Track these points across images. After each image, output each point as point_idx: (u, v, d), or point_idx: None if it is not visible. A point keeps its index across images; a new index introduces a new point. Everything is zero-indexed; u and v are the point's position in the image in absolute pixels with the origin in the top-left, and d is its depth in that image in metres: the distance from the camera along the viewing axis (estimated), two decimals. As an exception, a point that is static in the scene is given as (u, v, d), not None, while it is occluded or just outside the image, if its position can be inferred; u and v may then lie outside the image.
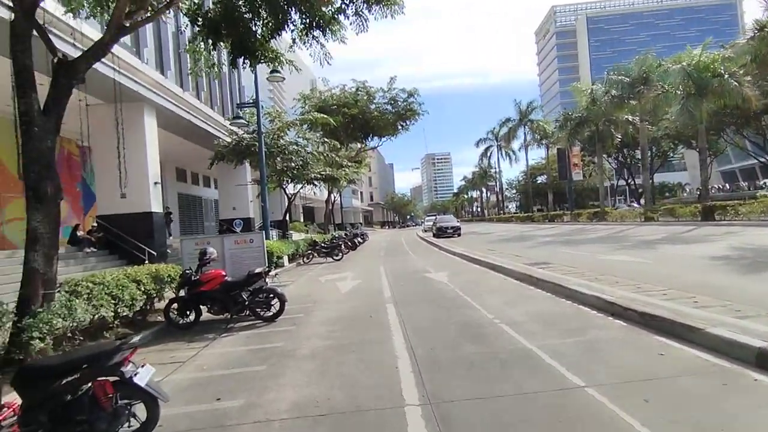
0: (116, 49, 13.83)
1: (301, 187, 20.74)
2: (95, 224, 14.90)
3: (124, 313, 6.10)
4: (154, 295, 7.12)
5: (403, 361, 4.46)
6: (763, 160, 33.03)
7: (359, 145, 33.75)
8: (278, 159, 18.61)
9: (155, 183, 15.19)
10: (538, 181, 64.55)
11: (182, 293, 7.02)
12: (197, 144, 20.92)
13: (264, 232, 17.10)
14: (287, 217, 32.83)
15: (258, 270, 7.08)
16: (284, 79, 16.45)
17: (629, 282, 7.19)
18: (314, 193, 20.42)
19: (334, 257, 18.48)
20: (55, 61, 5.64)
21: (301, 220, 50.53)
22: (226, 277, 7.01)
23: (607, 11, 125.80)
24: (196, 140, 20.62)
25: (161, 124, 17.08)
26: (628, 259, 10.76)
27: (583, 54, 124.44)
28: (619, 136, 31.84)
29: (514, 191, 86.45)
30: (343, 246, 19.56)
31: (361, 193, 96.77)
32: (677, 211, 23.12)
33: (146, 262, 13.83)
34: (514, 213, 74.29)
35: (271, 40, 8.45)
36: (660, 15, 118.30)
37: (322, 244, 19.11)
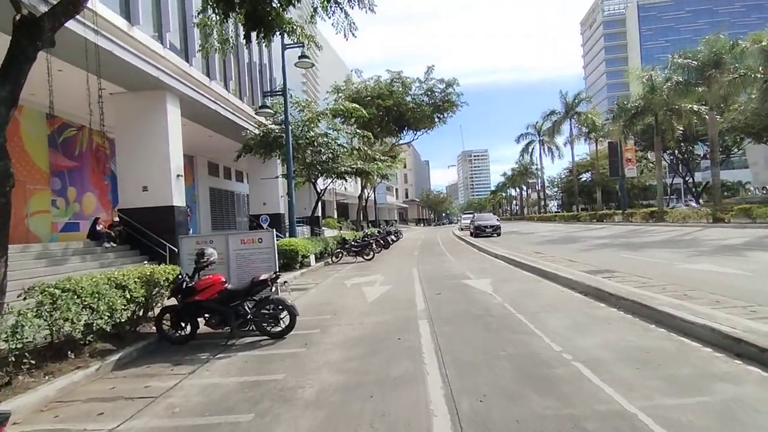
0: (136, 33, 13.19)
1: (331, 182, 19.59)
2: (117, 218, 14.33)
3: (102, 327, 5.03)
4: (146, 302, 6.05)
5: (441, 421, 3.10)
6: None
7: (394, 140, 32.42)
8: (308, 152, 17.56)
9: (178, 175, 14.45)
10: (582, 179, 61.05)
11: (176, 302, 5.93)
12: (227, 136, 20.23)
13: (291, 228, 16.24)
14: (319, 213, 32.14)
15: (263, 276, 5.87)
16: (313, 65, 15.35)
17: (736, 303, 5.50)
18: (345, 188, 19.23)
19: (365, 257, 17.27)
20: (18, 18, 4.61)
21: (335, 216, 49.91)
22: (226, 285, 5.85)
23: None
24: (225, 132, 19.92)
25: (186, 115, 16.38)
26: (715, 269, 8.88)
27: (633, 44, 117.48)
28: (681, 128, 28.82)
29: (556, 189, 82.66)
30: (374, 245, 18.30)
31: (396, 189, 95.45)
32: (755, 212, 20.34)
33: (167, 259, 13.15)
34: (556, 212, 70.83)
35: (288, 8, 7.27)
36: (719, 1, 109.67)
37: (353, 243, 17.92)
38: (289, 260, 13.72)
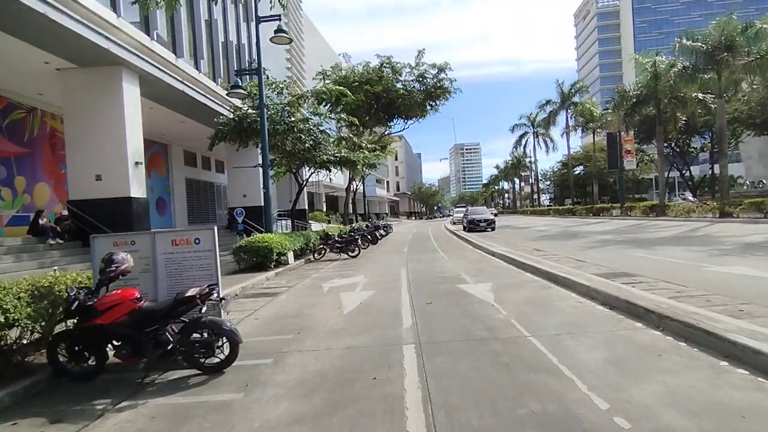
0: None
1: (313, 172, 18.03)
2: (65, 211, 12.66)
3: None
4: (40, 324, 4.52)
5: None
6: None
7: (383, 129, 30.83)
8: (288, 139, 15.93)
9: (137, 163, 12.81)
10: (575, 172, 59.93)
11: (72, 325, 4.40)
12: (201, 123, 18.53)
13: (267, 222, 14.69)
14: (305, 207, 30.54)
15: (190, 292, 4.34)
16: (291, 41, 13.76)
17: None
18: (330, 180, 17.61)
19: (350, 254, 15.81)
20: None
21: (324, 209, 48.29)
22: (142, 302, 4.33)
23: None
24: (199, 118, 18.24)
25: (151, 96, 14.75)
26: (753, 272, 7.55)
27: (627, 36, 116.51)
28: (684, 118, 27.58)
29: (548, 183, 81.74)
30: (360, 240, 16.81)
31: (388, 182, 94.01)
32: (767, 206, 19.17)
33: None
34: (548, 205, 69.82)
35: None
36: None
37: (337, 238, 16.42)
38: (263, 259, 12.21)
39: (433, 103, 27.21)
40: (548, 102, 45.84)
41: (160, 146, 22.47)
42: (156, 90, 14.62)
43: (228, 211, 24.69)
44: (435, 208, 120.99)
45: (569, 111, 44.00)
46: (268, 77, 15.60)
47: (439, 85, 26.23)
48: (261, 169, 20.64)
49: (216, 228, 5.04)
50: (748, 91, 27.71)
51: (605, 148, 43.92)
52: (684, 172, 44.83)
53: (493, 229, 25.81)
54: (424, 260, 13.36)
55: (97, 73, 12.36)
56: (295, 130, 15.42)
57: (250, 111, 15.76)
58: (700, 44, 21.13)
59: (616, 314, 5.44)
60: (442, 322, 5.65)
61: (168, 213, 23.00)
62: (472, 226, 26.03)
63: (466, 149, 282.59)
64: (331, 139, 19.16)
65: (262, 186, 22.27)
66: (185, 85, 15.40)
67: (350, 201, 37.31)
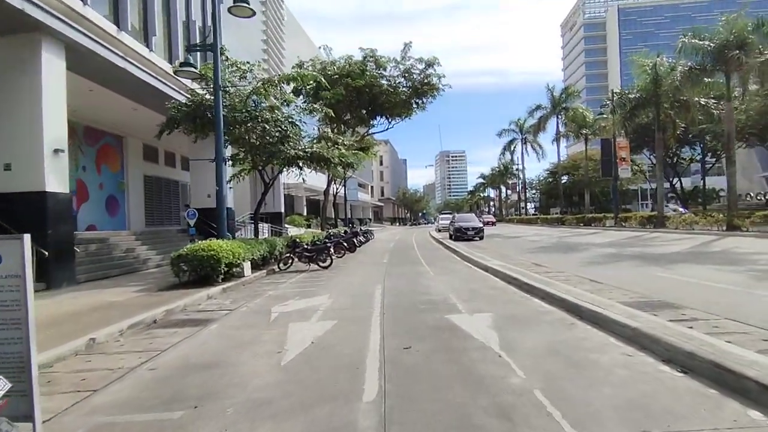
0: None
1: (281, 170, 15.86)
2: (-39, 207, 10.24)
3: None
4: None
5: None
6: None
7: (366, 129, 28.79)
8: (256, 129, 13.71)
9: (56, 151, 10.46)
10: (563, 181, 58.83)
11: None
12: (157, 111, 16.14)
13: (220, 226, 12.48)
14: (273, 209, 28.21)
15: None
16: (254, 13, 11.63)
17: None
18: (302, 179, 15.45)
19: (320, 264, 13.67)
20: None
21: (304, 213, 45.94)
22: None
23: (640, 3, 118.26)
24: (152, 105, 15.86)
25: (86, 73, 12.46)
26: None
27: (613, 48, 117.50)
28: (683, 125, 26.23)
29: (534, 191, 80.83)
30: (333, 249, 14.69)
31: (372, 187, 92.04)
32: (784, 219, 17.70)
33: (33, 265, 9.25)
34: (534, 214, 68.65)
35: None
36: (698, 7, 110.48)
37: (306, 246, 14.26)
38: (209, 271, 9.98)
39: (420, 101, 25.31)
40: (538, 107, 44.48)
41: (113, 138, 19.98)
42: (93, 67, 12.31)
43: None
44: (420, 214, 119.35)
45: (560, 116, 42.67)
46: (227, 57, 13.43)
47: (426, 81, 24.33)
48: (225, 166, 18.47)
49: (27, 237, 2.87)
50: (747, 99, 26.54)
51: (594, 156, 42.82)
52: (674, 182, 43.87)
53: (481, 238, 24.00)
54: (406, 275, 11.30)
55: (10, 42, 10.05)
56: (260, 120, 13.24)
57: (208, 96, 13.53)
58: (707, 43, 19.74)
59: (702, 386, 3.43)
60: (425, 393, 3.56)
61: (121, 213, 20.48)
62: (459, 234, 24.17)
63: (452, 157, 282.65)
64: (305, 135, 17.02)
65: (232, 185, 20.16)
66: (130, 63, 13.10)
67: (330, 205, 35.14)
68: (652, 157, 41.59)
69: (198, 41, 18.49)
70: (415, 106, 25.43)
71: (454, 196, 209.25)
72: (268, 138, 13.80)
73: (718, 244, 16.10)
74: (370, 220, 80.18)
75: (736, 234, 19.07)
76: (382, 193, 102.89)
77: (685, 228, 23.29)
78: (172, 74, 14.22)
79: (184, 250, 10.18)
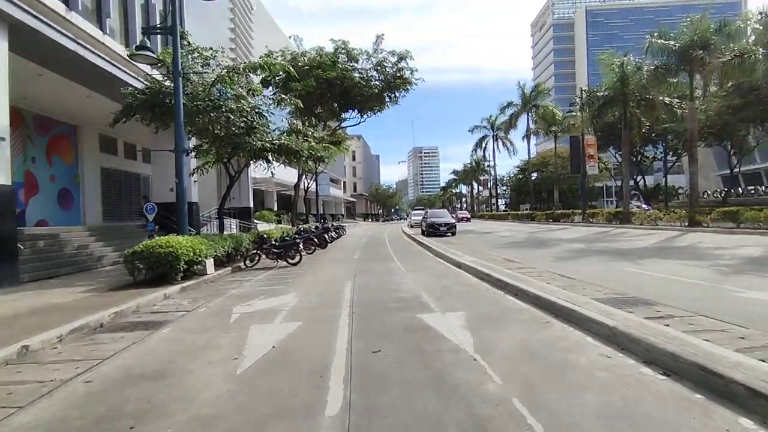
0: None
1: (247, 163, 15.22)
2: None
3: None
4: None
5: None
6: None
7: (337, 123, 28.22)
8: (221, 120, 13.01)
9: (-4, 138, 9.56)
10: (532, 178, 59.90)
11: None
12: (113, 99, 15.15)
13: (180, 221, 11.82)
14: (241, 204, 27.35)
15: None
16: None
17: None
18: (271, 174, 14.82)
19: (289, 260, 13.18)
20: None
21: (275, 208, 44.91)
22: None
23: (607, 5, 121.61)
24: (107, 92, 14.85)
25: (33, 56, 11.52)
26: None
27: (581, 49, 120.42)
28: (648, 124, 26.94)
29: (505, 188, 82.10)
30: (302, 244, 14.21)
31: (345, 183, 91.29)
32: (743, 215, 18.27)
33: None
34: (504, 210, 69.74)
35: None
36: (661, 12, 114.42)
37: (274, 242, 13.72)
38: (167, 269, 9.35)
39: (393, 95, 24.95)
40: (509, 104, 44.97)
41: (67, 127, 18.74)
42: (40, 50, 11.36)
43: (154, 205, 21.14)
44: (393, 210, 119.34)
45: (531, 114, 43.24)
46: (189, 43, 12.68)
47: (398, 74, 23.99)
48: (189, 159, 17.61)
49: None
50: (707, 99, 27.52)
51: (563, 153, 43.70)
52: (638, 180, 45.30)
53: (453, 234, 23.95)
54: (377, 271, 10.97)
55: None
56: (225, 109, 12.57)
57: (168, 83, 12.74)
58: (673, 43, 20.24)
59: (687, 390, 3.23)
60: (394, 405, 3.22)
61: (75, 207, 19.27)
62: (432, 230, 24.06)
63: (425, 153, 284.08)
64: (275, 128, 16.41)
65: (196, 178, 19.27)
66: (81, 46, 12.17)
67: (301, 200, 34.44)
68: (617, 155, 42.74)
69: (156, 21, 17.50)
70: (387, 99, 25.05)
71: (426, 192, 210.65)
72: (233, 129, 13.14)
73: (682, 239, 16.53)
74: (343, 215, 79.51)
75: (697, 230, 19.68)
76: (355, 189, 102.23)
77: (650, 224, 23.94)
78: (129, 59, 13.35)
79: (139, 246, 9.50)
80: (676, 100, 24.15)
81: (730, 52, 17.72)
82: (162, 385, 3.82)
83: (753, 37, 18.14)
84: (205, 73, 12.87)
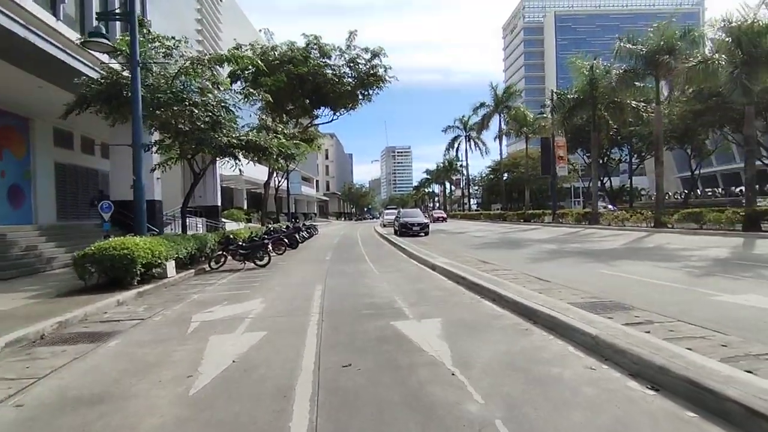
0: None
1: (213, 160, 14.54)
2: None
3: None
4: None
5: None
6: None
7: (309, 120, 27.60)
8: (184, 114, 12.29)
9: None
10: (504, 178, 60.77)
11: None
12: (68, 90, 14.12)
13: (138, 221, 11.11)
14: (208, 203, 26.35)
15: None
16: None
17: None
18: (239, 171, 14.16)
19: (257, 262, 12.64)
20: None
21: (245, 207, 43.76)
22: None
23: (575, 10, 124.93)
24: (61, 82, 13.81)
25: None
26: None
27: (550, 53, 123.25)
28: (615, 127, 27.63)
29: (477, 188, 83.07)
30: (271, 245, 13.68)
31: (317, 181, 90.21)
32: (706, 217, 18.84)
33: None
34: (476, 210, 70.52)
35: None
36: (625, 19, 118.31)
37: (241, 243, 13.12)
38: (121, 272, 8.68)
39: (366, 92, 24.55)
40: (482, 105, 45.35)
41: (17, 119, 17.46)
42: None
43: (93, 202, 19.86)
44: (365, 209, 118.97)
45: (503, 115, 43.76)
46: (149, 31, 11.92)
47: (372, 72, 23.62)
48: (152, 154, 16.68)
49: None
50: (670, 105, 28.46)
51: (533, 154, 44.46)
52: (604, 181, 46.60)
53: (426, 234, 23.82)
54: (349, 273, 10.60)
55: None
56: (188, 103, 11.89)
57: (126, 73, 11.94)
58: (640, 47, 20.75)
59: (678, 407, 3.01)
60: (365, 429, 2.88)
61: (27, 205, 18.00)
62: (405, 230, 23.85)
63: (398, 152, 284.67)
64: (244, 124, 15.76)
65: (159, 175, 18.31)
66: (31, 32, 11.24)
67: (272, 199, 33.61)
68: (585, 156, 43.79)
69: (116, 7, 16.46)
70: (360, 97, 24.63)
71: (399, 191, 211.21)
72: (198, 123, 12.45)
73: (649, 240, 16.88)
74: (315, 214, 78.56)
75: (663, 230, 20.22)
76: (328, 188, 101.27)
77: (617, 224, 24.51)
78: (83, 47, 12.44)
79: (91, 248, 8.79)
80: (642, 104, 24.85)
81: (694, 58, 18.28)
82: (100, 411, 3.34)
83: (709, 45, 18.95)
84: (166, 63, 12.13)
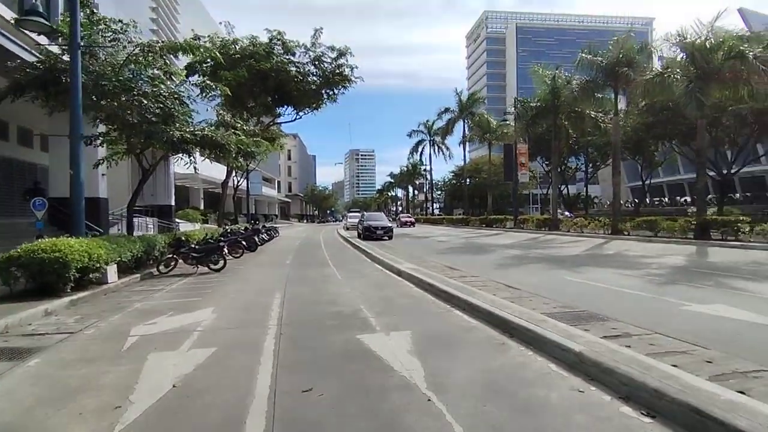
0: None
1: (164, 156, 13.55)
2: None
3: None
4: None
5: None
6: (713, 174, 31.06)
7: (271, 119, 26.66)
8: (134, 104, 11.28)
9: None
10: (466, 183, 61.59)
11: None
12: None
13: (76, 220, 10.10)
14: (172, 203, 24.89)
15: None
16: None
17: None
18: (194, 169, 13.19)
19: (212, 266, 11.79)
20: None
21: (202, 207, 41.88)
22: None
23: (534, 23, 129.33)
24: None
25: None
26: (740, 314, 5.71)
27: (511, 63, 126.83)
28: (575, 135, 28.48)
29: (439, 192, 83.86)
30: (227, 248, 12.84)
31: (279, 182, 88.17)
32: (660, 225, 19.52)
33: None
34: (439, 214, 71.10)
35: None
36: (580, 33, 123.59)
37: (193, 246, 12.23)
38: (52, 278, 7.71)
39: (331, 92, 23.97)
40: (447, 110, 45.73)
41: (-61, 106, 15.67)
42: None
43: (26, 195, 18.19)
44: (328, 212, 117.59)
45: (467, 121, 44.27)
46: (93, 12, 10.90)
47: (338, 71, 23.07)
48: (102, 149, 15.34)
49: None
50: (625, 116, 29.64)
51: (496, 161, 45.27)
52: (562, 189, 48.10)
53: (390, 237, 23.50)
54: (311, 279, 10.02)
55: None
56: (136, 93, 10.94)
57: (66, 58, 10.83)
58: (600, 59, 21.43)
59: (679, 437, 2.73)
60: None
61: (-52, 200, 16.20)
62: (369, 233, 23.43)
63: (362, 155, 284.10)
64: (201, 120, 14.85)
65: (104, 172, 16.92)
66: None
67: (230, 199, 32.30)
68: (544, 164, 44.96)
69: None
70: (325, 96, 24.03)
71: (362, 194, 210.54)
72: (147, 116, 11.48)
73: (608, 246, 17.28)
74: (277, 216, 76.68)
75: (620, 237, 20.86)
76: (290, 189, 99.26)
77: (576, 231, 25.14)
78: (18, 28, 11.21)
79: (17, 250, 7.77)
80: (601, 115, 25.72)
81: (651, 71, 19.02)
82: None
83: (657, 61, 19.95)
84: (111, 47, 11.11)
